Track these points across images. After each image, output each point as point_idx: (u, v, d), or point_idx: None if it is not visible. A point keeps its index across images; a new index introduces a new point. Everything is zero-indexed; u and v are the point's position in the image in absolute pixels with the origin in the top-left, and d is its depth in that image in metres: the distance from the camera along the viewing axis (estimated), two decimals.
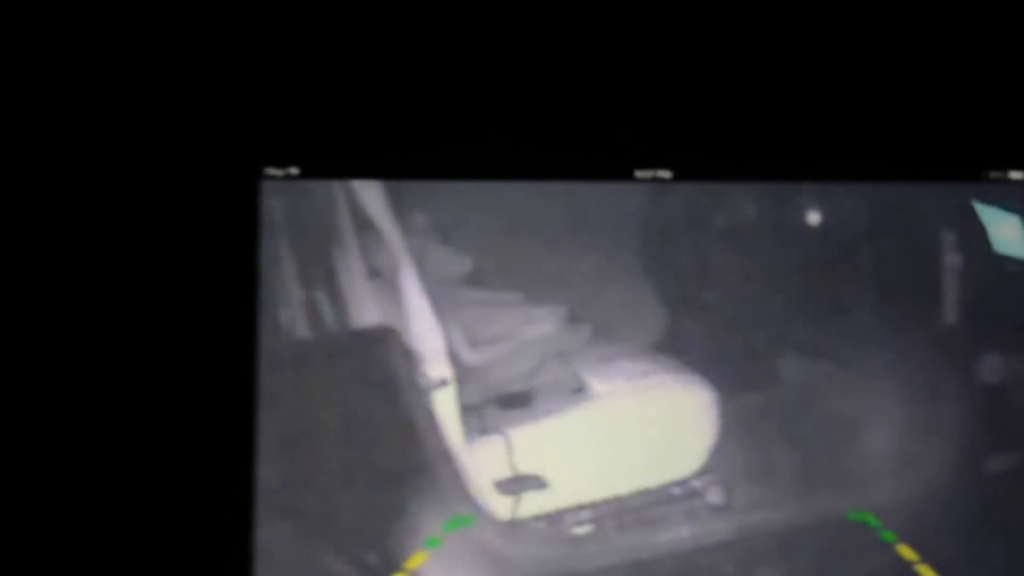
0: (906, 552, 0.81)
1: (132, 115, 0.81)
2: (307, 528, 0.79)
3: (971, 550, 0.81)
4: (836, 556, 0.81)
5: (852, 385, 0.83)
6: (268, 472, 0.79)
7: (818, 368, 0.83)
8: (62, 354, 0.78)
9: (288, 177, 0.82)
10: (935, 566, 0.81)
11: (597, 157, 0.83)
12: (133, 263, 0.79)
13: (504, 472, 0.80)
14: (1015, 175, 0.85)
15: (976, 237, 0.85)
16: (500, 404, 0.81)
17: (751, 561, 0.80)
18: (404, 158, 0.83)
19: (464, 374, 0.81)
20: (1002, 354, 0.83)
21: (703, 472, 0.82)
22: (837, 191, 0.84)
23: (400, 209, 0.83)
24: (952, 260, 0.84)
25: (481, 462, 0.80)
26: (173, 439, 0.78)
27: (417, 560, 0.79)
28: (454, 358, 0.81)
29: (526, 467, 0.81)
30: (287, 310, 0.81)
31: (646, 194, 0.84)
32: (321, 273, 0.82)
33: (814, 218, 0.84)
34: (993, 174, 0.85)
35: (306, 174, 0.82)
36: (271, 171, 0.82)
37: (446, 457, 0.80)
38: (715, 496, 0.81)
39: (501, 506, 0.80)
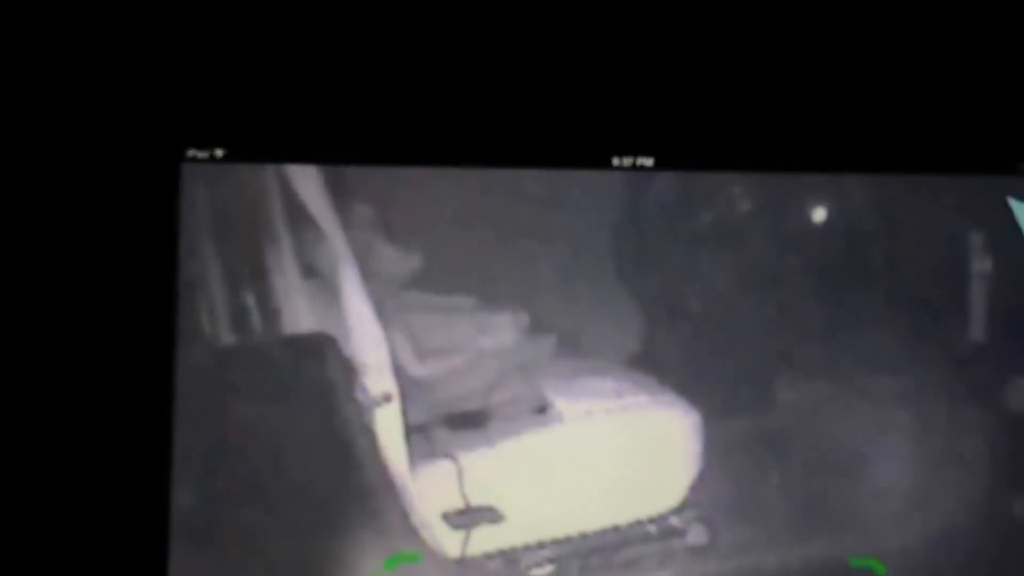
0: None
1: (37, 89, 0.71)
2: (227, 561, 0.69)
3: None
4: None
5: (859, 411, 0.72)
6: (184, 496, 0.69)
7: (819, 390, 0.72)
8: None
9: (213, 160, 0.72)
10: None
11: (569, 142, 0.73)
12: (35, 255, 0.70)
13: (454, 503, 0.71)
14: None
15: (1009, 240, 0.73)
16: (450, 425, 0.71)
17: None
18: (345, 141, 0.72)
19: (410, 390, 0.71)
20: None
21: (683, 508, 0.71)
22: (846, 184, 0.73)
23: (340, 199, 0.72)
24: (981, 266, 0.73)
25: (428, 491, 0.71)
26: (78, 455, 0.69)
27: None
28: (399, 371, 0.71)
29: (479, 498, 0.71)
30: (209, 313, 0.71)
31: (624, 184, 0.73)
32: (249, 271, 0.72)
33: (819, 215, 0.73)
34: None
35: (233, 157, 0.72)
36: (194, 153, 0.72)
37: (388, 484, 0.70)
38: (696, 536, 0.71)
39: (449, 542, 0.70)
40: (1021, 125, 0.73)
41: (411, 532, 0.70)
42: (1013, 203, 0.74)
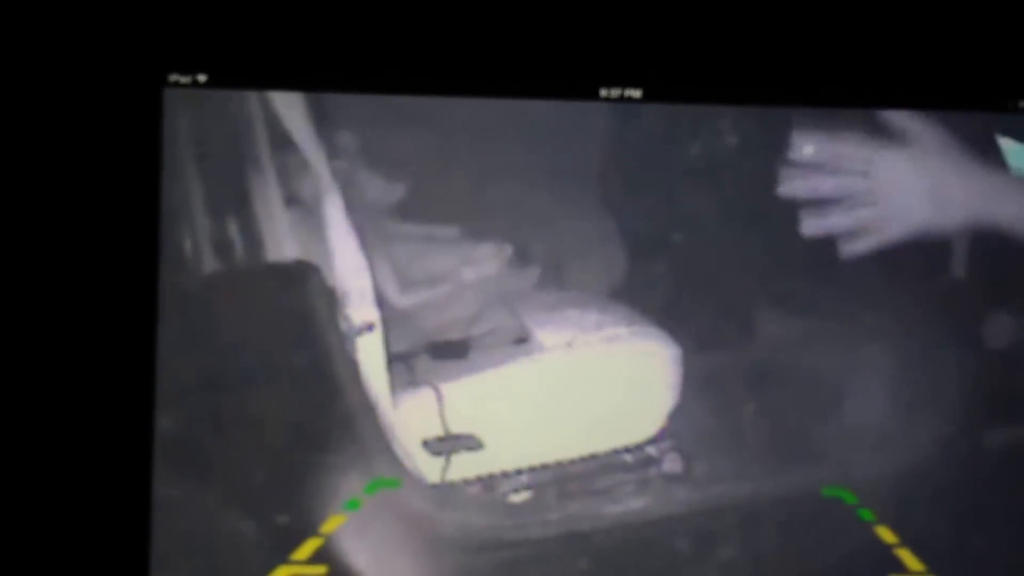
0: (885, 534, 0.72)
1: (16, 11, 0.69)
2: (211, 485, 0.70)
3: (958, 535, 0.72)
4: (806, 536, 0.72)
5: (837, 345, 0.73)
6: (168, 422, 0.70)
7: (799, 325, 0.73)
8: None
9: (196, 85, 0.71)
10: (917, 551, 0.71)
11: (556, 72, 0.72)
12: (14, 181, 0.69)
13: (434, 430, 0.72)
14: None
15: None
16: (432, 354, 0.72)
17: (709, 539, 0.72)
18: (330, 68, 0.71)
19: (393, 319, 0.72)
20: (1014, 315, 0.72)
21: (660, 438, 0.72)
22: (835, 118, 0.72)
23: (324, 127, 0.72)
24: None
25: (409, 418, 0.72)
26: (62, 381, 0.70)
27: (334, 524, 0.71)
28: (382, 300, 0.72)
29: (459, 425, 0.72)
30: (192, 240, 0.71)
31: (610, 116, 0.72)
32: (232, 198, 0.71)
33: (807, 150, 0.72)
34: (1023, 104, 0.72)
35: (216, 82, 0.71)
36: (176, 78, 0.71)
37: (369, 411, 0.71)
38: (672, 465, 0.72)
39: (429, 468, 0.71)
40: (1011, 61, 0.72)
41: (392, 459, 0.71)
42: (1002, 141, 0.73)
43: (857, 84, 0.72)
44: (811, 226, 0.72)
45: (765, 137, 0.72)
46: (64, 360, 0.70)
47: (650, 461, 0.72)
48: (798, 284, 0.72)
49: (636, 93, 0.72)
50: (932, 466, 0.72)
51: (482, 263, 0.72)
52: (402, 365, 0.72)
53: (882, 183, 0.72)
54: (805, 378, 0.72)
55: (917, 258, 0.72)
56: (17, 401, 0.69)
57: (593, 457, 0.72)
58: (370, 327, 0.71)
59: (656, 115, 0.72)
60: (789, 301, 0.72)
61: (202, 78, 0.71)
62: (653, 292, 0.73)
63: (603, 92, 0.72)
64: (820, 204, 0.72)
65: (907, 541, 0.72)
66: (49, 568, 0.69)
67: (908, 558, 0.72)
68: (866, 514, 0.72)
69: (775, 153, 0.72)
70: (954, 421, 0.72)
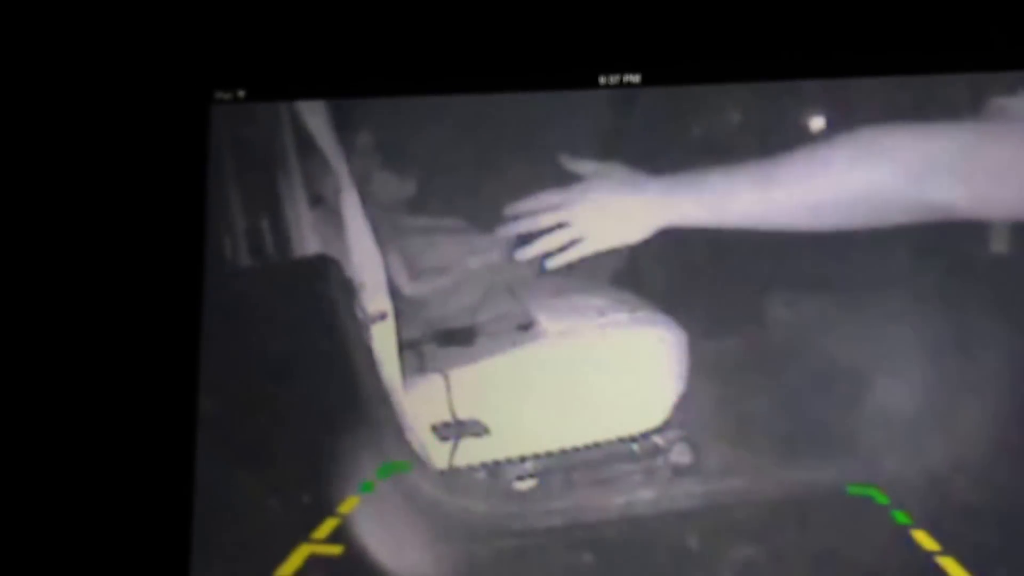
0: (924, 539, 0.64)
1: (75, 38, 0.80)
2: (244, 462, 0.75)
3: (1007, 540, 0.63)
4: (831, 539, 0.66)
5: (859, 328, 0.67)
6: (209, 404, 0.76)
7: (815, 306, 0.68)
8: None
9: (236, 100, 0.79)
10: (961, 558, 0.63)
11: (555, 63, 0.73)
12: (75, 191, 0.79)
13: (442, 416, 0.73)
14: None
15: None
16: (440, 341, 0.74)
17: (720, 535, 0.67)
18: (348, 76, 0.77)
19: (403, 307, 0.75)
20: None
21: (667, 427, 0.69)
22: (844, 87, 0.68)
23: (344, 131, 0.77)
24: None
25: (418, 404, 0.73)
26: (118, 368, 0.78)
27: (350, 505, 0.73)
28: (394, 290, 0.75)
29: (465, 411, 0.73)
30: (230, 239, 0.78)
31: (611, 103, 0.72)
32: (265, 200, 0.78)
33: (815, 124, 0.68)
34: None
35: (254, 96, 0.78)
36: (220, 95, 0.79)
37: (382, 397, 0.74)
38: (680, 455, 0.69)
39: (438, 453, 0.73)
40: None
41: (403, 443, 0.73)
42: None
43: (861, 52, 0.67)
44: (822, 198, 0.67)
45: (769, 113, 0.69)
46: (122, 348, 0.78)
47: (657, 451, 0.69)
48: (813, 263, 0.68)
49: (635, 78, 0.71)
50: (975, 462, 0.64)
51: (486, 252, 0.74)
52: (412, 352, 0.74)
53: None
54: (823, 363, 0.67)
55: (946, 230, 0.65)
56: (77, 384, 0.78)
57: (598, 445, 0.70)
58: (383, 315, 0.74)
59: (656, 97, 0.71)
60: (804, 282, 0.68)
61: (241, 93, 0.79)
62: (658, 276, 0.71)
63: (602, 79, 0.72)
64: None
65: (950, 548, 0.64)
66: (97, 536, 0.76)
67: (952, 567, 0.64)
68: (901, 516, 0.65)
69: (781, 129, 0.69)
70: (997, 411, 0.64)
